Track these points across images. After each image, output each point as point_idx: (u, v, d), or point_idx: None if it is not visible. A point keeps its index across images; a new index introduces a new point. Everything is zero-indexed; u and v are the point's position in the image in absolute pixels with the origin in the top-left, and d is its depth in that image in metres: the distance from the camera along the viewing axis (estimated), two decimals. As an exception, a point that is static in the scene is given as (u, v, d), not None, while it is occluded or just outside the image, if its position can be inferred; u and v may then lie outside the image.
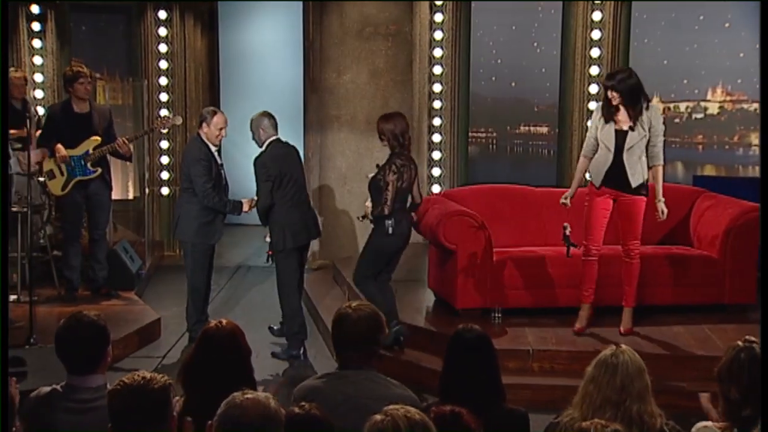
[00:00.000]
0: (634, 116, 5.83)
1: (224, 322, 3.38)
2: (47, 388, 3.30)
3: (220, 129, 6.60)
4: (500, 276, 6.56)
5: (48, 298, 7.20)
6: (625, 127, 5.88)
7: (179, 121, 7.67)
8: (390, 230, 6.10)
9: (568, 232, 5.99)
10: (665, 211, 5.94)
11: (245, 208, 6.67)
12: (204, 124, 6.60)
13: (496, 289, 6.54)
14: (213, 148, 6.64)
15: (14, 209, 6.88)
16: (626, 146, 5.86)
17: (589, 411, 3.12)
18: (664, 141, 6.03)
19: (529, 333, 6.29)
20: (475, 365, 3.42)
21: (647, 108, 5.88)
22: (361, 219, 6.39)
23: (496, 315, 6.50)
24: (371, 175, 6.35)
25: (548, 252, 6.70)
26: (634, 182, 5.90)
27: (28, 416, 3.19)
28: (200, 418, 2.78)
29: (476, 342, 3.49)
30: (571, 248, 6.01)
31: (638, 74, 5.97)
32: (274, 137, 6.66)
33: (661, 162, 5.95)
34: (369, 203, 6.25)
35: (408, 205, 6.33)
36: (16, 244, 7.13)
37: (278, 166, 6.54)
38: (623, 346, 3.29)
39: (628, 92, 5.83)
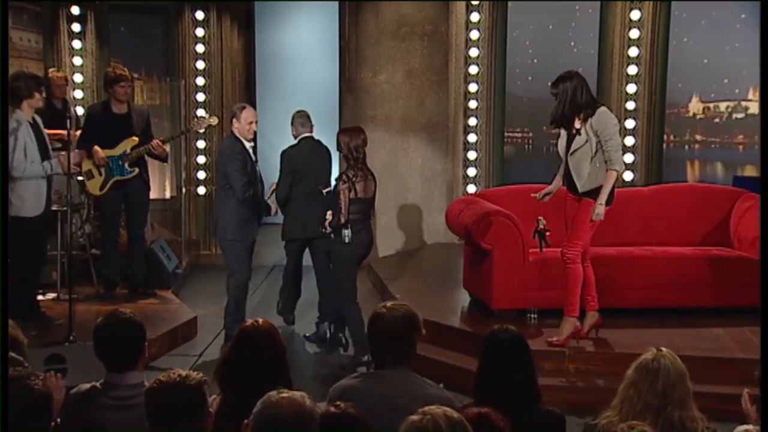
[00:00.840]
0: (581, 120, 5.76)
1: (260, 321, 3.39)
2: (87, 385, 3.35)
3: (250, 123, 6.65)
4: (536, 276, 6.52)
5: (87, 297, 7.28)
6: (574, 132, 5.84)
7: (215, 121, 7.70)
8: (347, 239, 6.25)
9: (541, 226, 5.95)
10: (600, 214, 5.76)
11: (272, 212, 6.80)
12: (234, 120, 6.67)
13: (532, 289, 6.51)
14: (247, 145, 6.68)
15: (54, 208, 6.97)
16: (570, 151, 5.84)
17: (628, 416, 3.09)
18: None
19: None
20: (510, 366, 3.41)
21: (593, 113, 5.75)
22: (323, 231, 6.43)
23: (532, 315, 6.48)
24: (324, 190, 6.66)
25: (585, 253, 6.63)
26: (580, 187, 5.81)
27: (68, 412, 3.24)
28: (236, 416, 2.80)
29: (512, 342, 3.47)
30: (545, 244, 5.99)
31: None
32: (306, 134, 6.92)
33: (615, 167, 5.75)
34: (329, 215, 6.35)
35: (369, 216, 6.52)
36: (55, 242, 7.24)
37: (299, 162, 6.80)
38: (664, 350, 3.25)
39: (566, 97, 5.75)
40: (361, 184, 6.28)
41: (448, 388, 3.57)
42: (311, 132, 6.94)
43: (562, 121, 5.85)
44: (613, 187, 5.81)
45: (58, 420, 3.16)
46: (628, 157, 9.13)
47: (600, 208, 5.76)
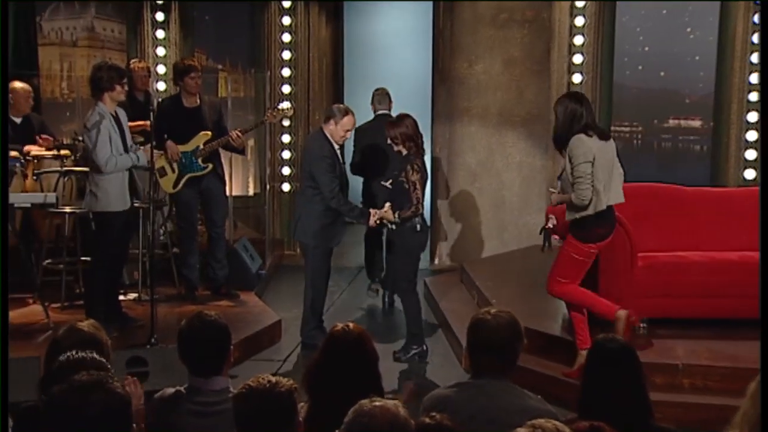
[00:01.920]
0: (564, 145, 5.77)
1: (351, 325, 3.42)
2: (171, 390, 3.43)
3: (347, 131, 6.70)
4: (646, 283, 6.40)
5: (168, 297, 7.45)
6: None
7: (287, 107, 7.74)
8: (418, 227, 6.52)
9: (551, 225, 6.00)
10: (554, 199, 5.84)
11: (371, 221, 6.64)
12: (331, 121, 6.65)
13: (641, 296, 6.38)
14: (336, 146, 6.73)
15: (136, 204, 7.14)
16: (558, 176, 6.04)
17: (751, 435, 2.99)
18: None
19: (679, 346, 6.12)
20: (618, 379, 3.34)
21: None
22: (389, 224, 6.56)
23: (642, 325, 6.36)
24: (387, 182, 6.79)
25: (700, 258, 6.51)
26: (567, 215, 5.81)
27: (152, 417, 3.32)
28: (325, 425, 2.83)
29: (620, 354, 3.40)
30: (547, 245, 6.10)
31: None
32: (383, 111, 7.76)
33: (575, 197, 5.61)
34: (388, 207, 6.48)
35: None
36: (137, 240, 7.43)
37: (367, 137, 7.61)
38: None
39: (558, 119, 5.81)
40: (424, 173, 6.59)
41: (548, 401, 3.54)
42: (389, 110, 7.10)
43: (556, 143, 5.91)
44: (594, 223, 5.69)
45: (143, 425, 3.23)
46: (750, 154, 8.88)
47: (555, 197, 5.82)
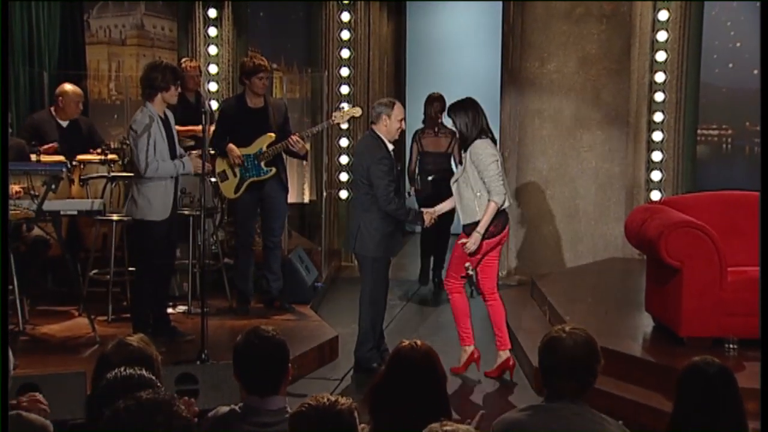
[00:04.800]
0: (463, 150, 6.60)
1: (419, 342, 3.41)
2: (225, 408, 3.45)
3: (401, 120, 6.62)
4: (736, 299, 6.29)
5: (219, 310, 7.49)
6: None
7: (358, 112, 7.65)
8: None
9: (470, 272, 6.60)
10: (470, 246, 6.39)
11: (426, 221, 6.74)
12: (383, 118, 6.55)
13: (730, 315, 6.27)
14: (390, 147, 6.70)
15: (185, 212, 7.21)
16: (452, 180, 6.65)
17: None
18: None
19: (772, 369, 5.98)
20: (715, 405, 3.28)
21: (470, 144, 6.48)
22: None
23: (731, 346, 6.24)
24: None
25: (796, 273, 6.36)
26: (462, 218, 6.54)
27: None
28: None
29: (718, 377, 3.34)
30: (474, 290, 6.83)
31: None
32: None
33: (493, 198, 6.38)
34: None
35: None
36: (186, 250, 7.51)
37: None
38: None
39: (461, 129, 6.54)
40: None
41: (628, 426, 3.49)
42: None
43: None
44: (499, 221, 6.46)
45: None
46: None
47: (476, 237, 6.38)
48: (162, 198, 6.46)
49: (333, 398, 2.86)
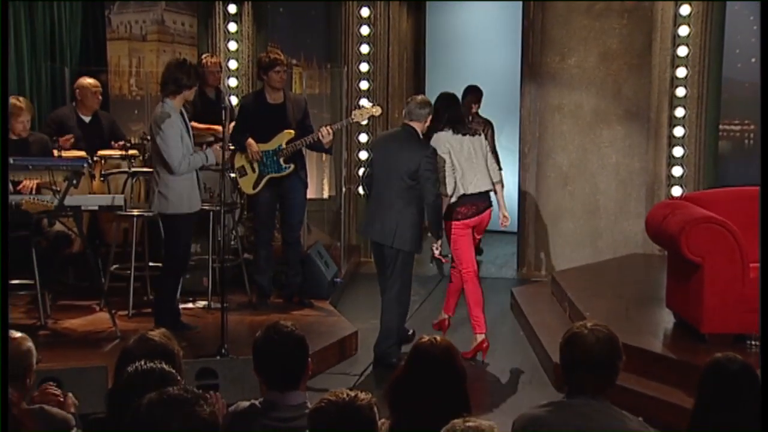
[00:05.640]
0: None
1: (438, 338, 3.42)
2: (245, 403, 3.46)
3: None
4: (758, 296, 6.25)
5: (238, 305, 7.51)
6: None
7: (378, 111, 7.66)
8: None
9: (436, 251, 6.72)
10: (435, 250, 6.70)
11: None
12: (428, 118, 6.75)
13: (752, 311, 6.22)
14: None
15: (205, 207, 7.22)
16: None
17: None
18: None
19: (795, 366, 5.96)
20: (738, 402, 3.27)
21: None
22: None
23: (753, 343, 6.23)
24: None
25: (819, 269, 6.32)
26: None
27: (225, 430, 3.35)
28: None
29: (741, 375, 3.33)
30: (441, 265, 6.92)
31: None
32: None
33: (441, 191, 6.69)
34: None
35: None
36: (206, 246, 7.53)
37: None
38: None
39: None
40: None
41: (649, 423, 3.49)
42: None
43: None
44: (456, 205, 6.79)
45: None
46: None
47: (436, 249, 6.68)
48: (190, 191, 6.53)
49: (353, 393, 2.87)
